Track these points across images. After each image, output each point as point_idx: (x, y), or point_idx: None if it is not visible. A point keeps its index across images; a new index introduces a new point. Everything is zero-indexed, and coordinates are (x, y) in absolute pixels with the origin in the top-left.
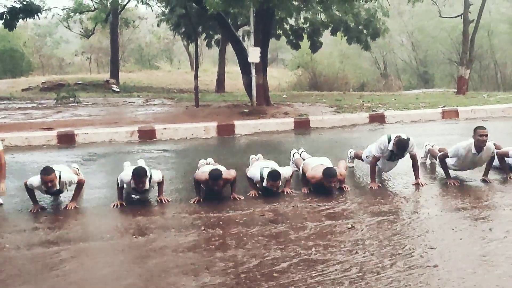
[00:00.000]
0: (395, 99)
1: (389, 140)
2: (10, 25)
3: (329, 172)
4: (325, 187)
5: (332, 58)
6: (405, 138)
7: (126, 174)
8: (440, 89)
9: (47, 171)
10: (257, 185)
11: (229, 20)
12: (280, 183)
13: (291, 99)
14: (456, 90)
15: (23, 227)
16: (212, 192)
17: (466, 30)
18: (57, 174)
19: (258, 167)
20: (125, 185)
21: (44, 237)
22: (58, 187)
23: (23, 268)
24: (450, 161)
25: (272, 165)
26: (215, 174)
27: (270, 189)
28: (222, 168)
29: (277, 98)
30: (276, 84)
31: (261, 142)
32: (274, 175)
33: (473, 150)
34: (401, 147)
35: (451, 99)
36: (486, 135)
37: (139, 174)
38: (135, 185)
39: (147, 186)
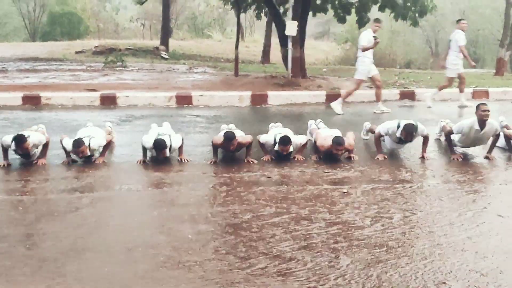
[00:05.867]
0: (430, 77)
1: (398, 126)
2: None
3: (337, 141)
4: (333, 155)
5: (381, 34)
6: (413, 124)
7: (148, 141)
8: (482, 70)
9: (78, 144)
10: (270, 150)
11: None
12: (291, 149)
13: (329, 73)
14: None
15: (54, 176)
16: (228, 154)
17: (508, 12)
18: (87, 142)
19: (273, 133)
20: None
21: (70, 185)
22: (88, 153)
23: (49, 209)
24: (455, 137)
25: (286, 132)
26: (229, 135)
27: (281, 154)
28: (239, 133)
29: (316, 71)
30: (323, 57)
31: (290, 112)
32: (284, 140)
33: (476, 127)
34: (409, 133)
35: (486, 80)
36: (488, 111)
37: (160, 146)
38: (156, 154)
39: (167, 154)
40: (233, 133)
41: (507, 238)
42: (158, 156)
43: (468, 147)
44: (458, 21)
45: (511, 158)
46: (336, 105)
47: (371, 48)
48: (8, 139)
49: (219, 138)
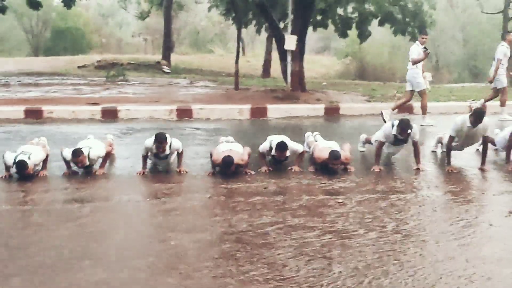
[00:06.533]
0: (429, 91)
1: (393, 126)
2: (67, 3)
3: (333, 155)
4: (329, 167)
5: (382, 48)
6: (408, 120)
7: (149, 140)
8: (482, 83)
9: (76, 154)
10: (267, 157)
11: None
12: (288, 154)
13: (329, 87)
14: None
15: (55, 187)
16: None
17: (506, 27)
18: (86, 152)
19: (269, 139)
20: (148, 153)
21: (71, 196)
22: (87, 163)
23: (49, 219)
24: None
25: (283, 138)
26: (227, 161)
27: (278, 160)
28: (237, 147)
29: (316, 85)
30: (324, 72)
31: (290, 125)
32: (281, 146)
33: (468, 124)
34: (403, 127)
35: (484, 94)
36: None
37: (161, 138)
38: (156, 149)
39: (167, 151)
40: (231, 159)
41: (497, 247)
42: (159, 153)
43: (462, 146)
44: (507, 33)
45: (503, 169)
46: (426, 120)
47: (422, 60)
48: (9, 158)
49: (218, 156)
